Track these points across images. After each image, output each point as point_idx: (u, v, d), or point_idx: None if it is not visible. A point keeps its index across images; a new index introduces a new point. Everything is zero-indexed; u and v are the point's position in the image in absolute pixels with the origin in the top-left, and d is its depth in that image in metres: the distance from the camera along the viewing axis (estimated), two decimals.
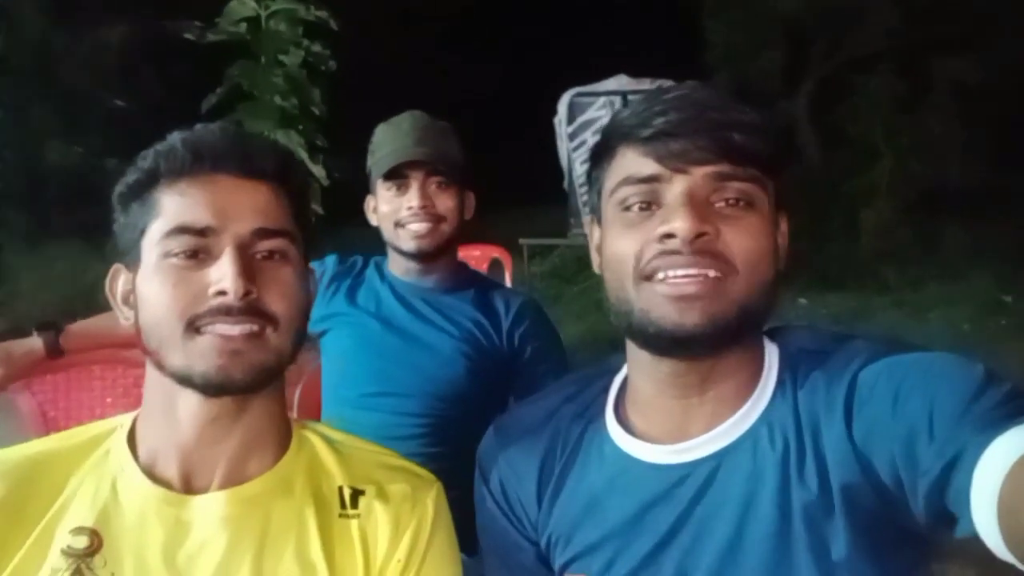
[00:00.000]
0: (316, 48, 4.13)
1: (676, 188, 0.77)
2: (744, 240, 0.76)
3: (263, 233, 0.81)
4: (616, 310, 0.82)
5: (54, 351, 1.50)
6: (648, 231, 0.78)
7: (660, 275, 0.77)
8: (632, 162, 0.80)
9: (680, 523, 0.80)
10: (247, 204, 0.81)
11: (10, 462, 0.83)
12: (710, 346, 0.78)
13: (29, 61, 7.72)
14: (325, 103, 4.20)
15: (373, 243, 1.66)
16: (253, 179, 0.82)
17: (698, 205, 0.76)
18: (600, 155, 0.86)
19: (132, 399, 1.64)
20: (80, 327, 1.55)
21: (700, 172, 0.77)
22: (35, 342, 1.49)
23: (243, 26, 4.08)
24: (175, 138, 0.83)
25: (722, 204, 0.77)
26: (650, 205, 0.79)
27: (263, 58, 4.11)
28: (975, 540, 0.61)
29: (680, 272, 0.76)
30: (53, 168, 7.88)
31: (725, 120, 0.77)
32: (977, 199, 7.21)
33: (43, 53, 7.82)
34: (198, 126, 0.85)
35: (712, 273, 0.76)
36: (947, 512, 0.64)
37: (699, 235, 0.75)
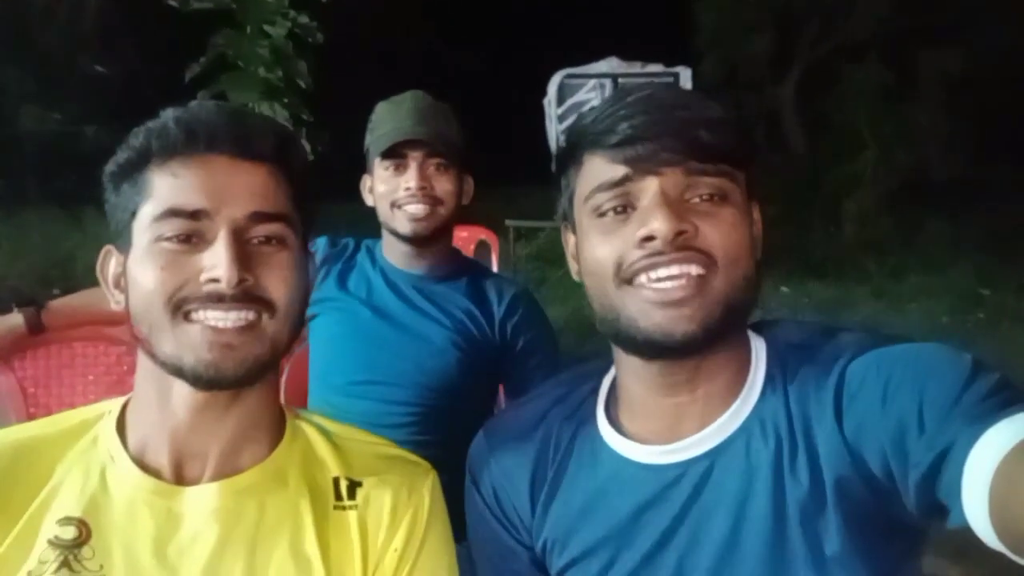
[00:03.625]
0: (303, 20, 4.05)
1: (650, 189, 0.76)
2: (722, 234, 0.76)
3: (260, 217, 0.77)
4: (602, 317, 0.81)
5: (36, 328, 1.47)
6: (626, 235, 0.77)
7: (642, 278, 0.76)
8: (602, 169, 0.79)
9: (676, 523, 0.80)
10: (243, 187, 0.77)
11: None
12: (698, 349, 0.78)
13: (4, 23, 7.53)
14: (311, 76, 4.12)
15: (360, 220, 1.62)
16: (250, 160, 0.78)
17: (673, 204, 0.76)
18: (566, 162, 0.84)
19: (114, 376, 1.61)
20: (62, 303, 1.53)
21: (671, 171, 0.76)
22: (16, 319, 1.46)
23: None
24: (168, 115, 0.78)
25: (696, 200, 0.77)
26: (625, 208, 0.78)
27: (248, 28, 4.02)
28: (964, 531, 0.62)
29: (663, 273, 0.75)
30: (29, 134, 7.72)
31: (692, 118, 0.77)
32: (959, 191, 7.30)
33: (19, 15, 7.62)
34: (193, 103, 0.81)
35: (695, 270, 0.75)
36: (938, 503, 0.65)
37: (679, 233, 0.75)
